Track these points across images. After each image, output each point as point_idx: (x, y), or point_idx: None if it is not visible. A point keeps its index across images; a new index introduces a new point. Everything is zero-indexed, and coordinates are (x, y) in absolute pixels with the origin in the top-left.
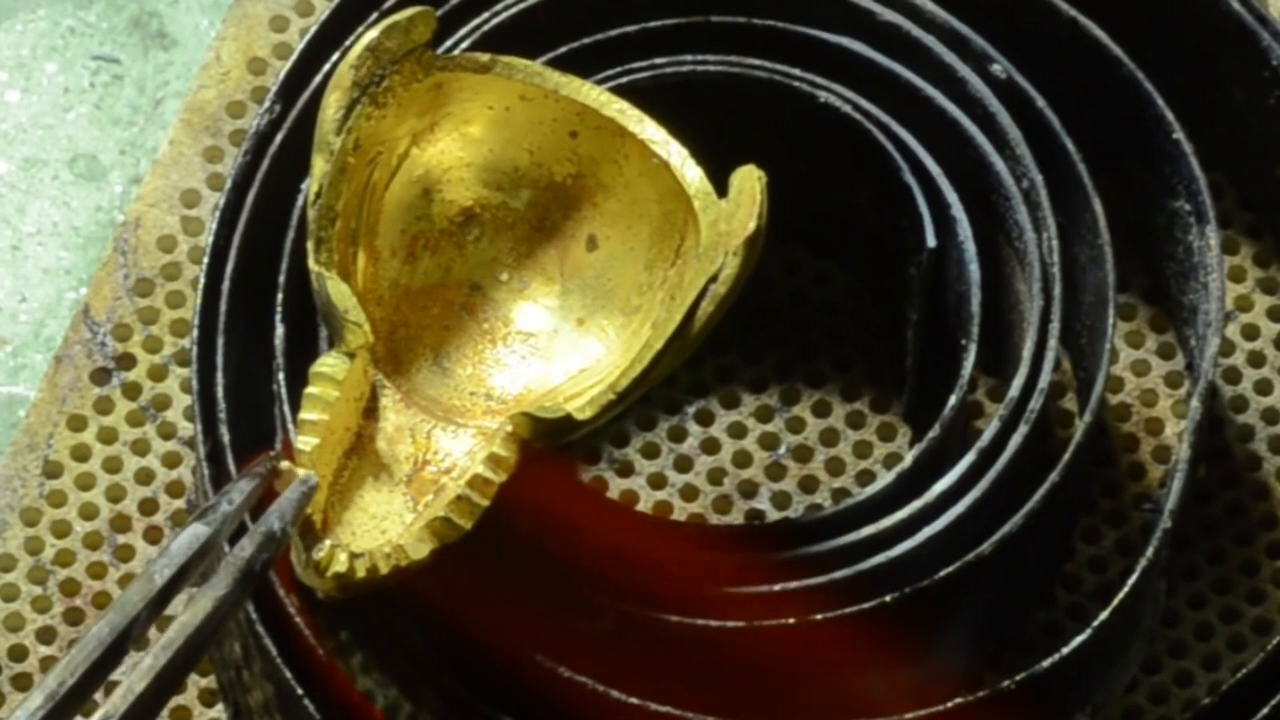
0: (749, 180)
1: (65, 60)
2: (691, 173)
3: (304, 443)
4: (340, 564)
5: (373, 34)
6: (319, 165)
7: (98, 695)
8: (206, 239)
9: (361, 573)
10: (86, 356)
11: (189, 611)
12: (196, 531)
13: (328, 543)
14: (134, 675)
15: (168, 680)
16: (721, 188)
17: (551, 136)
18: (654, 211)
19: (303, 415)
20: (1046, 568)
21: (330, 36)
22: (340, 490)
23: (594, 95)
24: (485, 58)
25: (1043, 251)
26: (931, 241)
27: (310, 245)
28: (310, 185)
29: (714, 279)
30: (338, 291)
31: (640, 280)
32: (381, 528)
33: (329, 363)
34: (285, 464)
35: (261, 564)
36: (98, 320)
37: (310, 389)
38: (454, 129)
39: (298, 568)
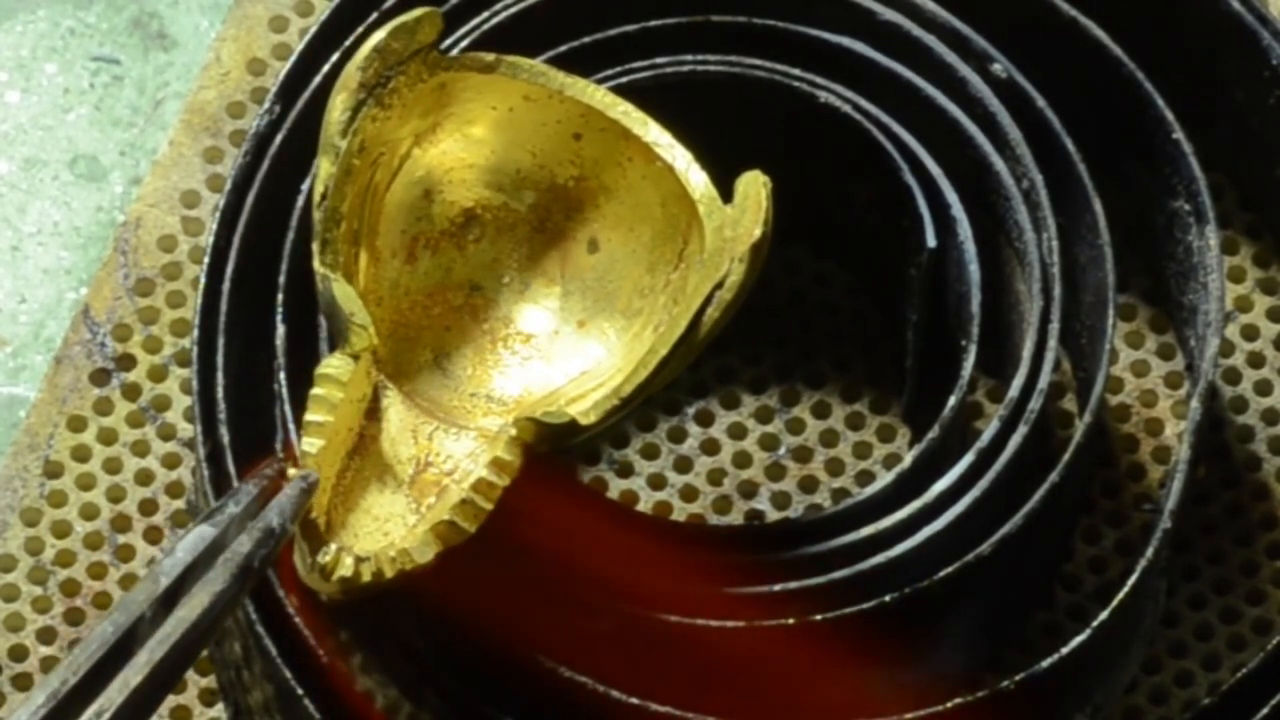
0: (754, 186)
1: (65, 61)
2: (696, 178)
3: (309, 444)
4: (346, 568)
5: (379, 35)
6: (324, 167)
7: None
8: (207, 239)
9: (367, 577)
10: (86, 357)
11: (186, 607)
12: (203, 533)
13: (334, 546)
14: (130, 670)
15: (165, 675)
16: (722, 188)
17: (554, 138)
18: (657, 215)
19: (308, 417)
20: (1046, 568)
21: (330, 37)
22: (343, 492)
23: (599, 97)
24: (490, 57)
25: (1043, 252)
26: (931, 241)
27: (315, 247)
28: (315, 187)
29: (719, 285)
30: (343, 294)
31: (642, 283)
32: (384, 530)
33: (333, 364)
34: (293, 470)
35: (260, 560)
36: (98, 320)
37: (315, 390)
38: (456, 129)
39: (302, 571)
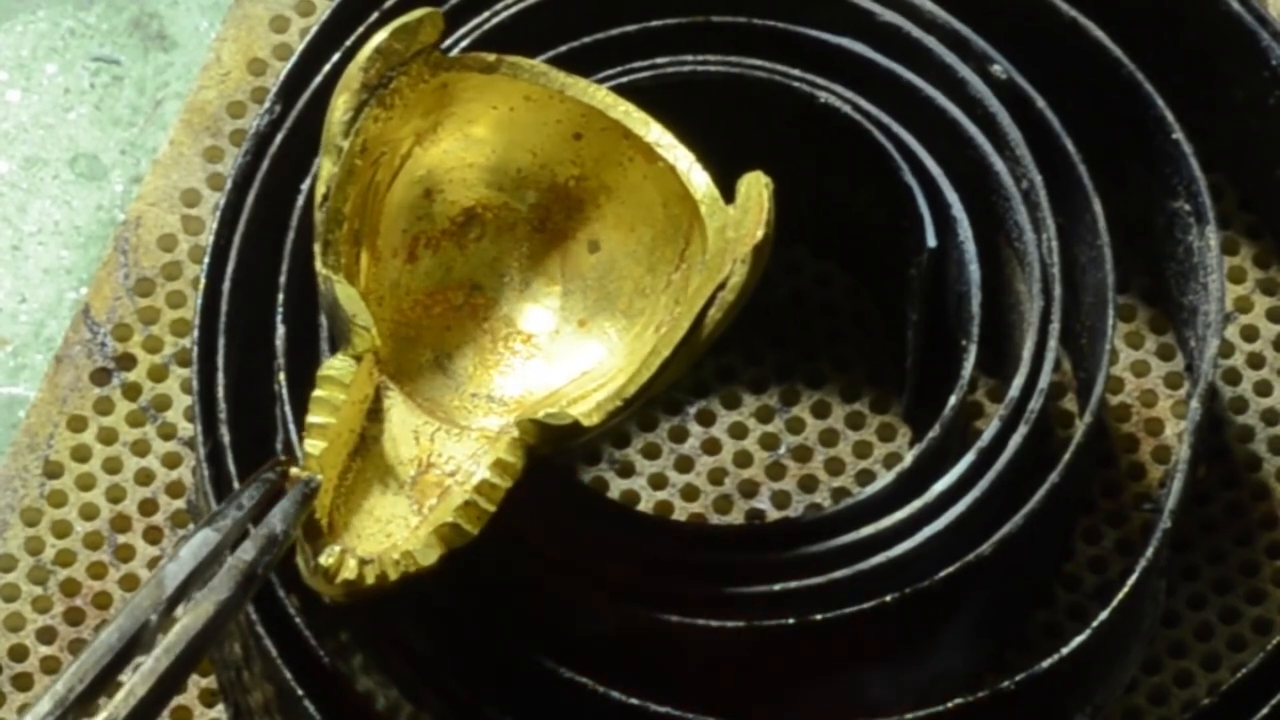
0: (756, 187)
1: (65, 61)
2: (699, 178)
3: (312, 446)
4: (350, 570)
5: (381, 36)
6: (326, 167)
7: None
8: (207, 238)
9: (371, 579)
10: (87, 357)
11: (190, 615)
12: (206, 537)
13: (337, 548)
14: (135, 678)
15: (169, 683)
16: (721, 187)
17: (555, 138)
18: (658, 215)
19: (310, 419)
20: (1046, 568)
21: (330, 37)
22: (345, 493)
23: (600, 97)
24: (491, 58)
25: (1042, 252)
26: (932, 242)
27: (317, 249)
28: (317, 187)
29: (721, 286)
30: (346, 295)
31: (643, 283)
32: (386, 531)
33: (336, 366)
34: (295, 470)
35: (263, 567)
36: (98, 320)
37: (318, 392)
38: (457, 129)
39: (305, 573)
